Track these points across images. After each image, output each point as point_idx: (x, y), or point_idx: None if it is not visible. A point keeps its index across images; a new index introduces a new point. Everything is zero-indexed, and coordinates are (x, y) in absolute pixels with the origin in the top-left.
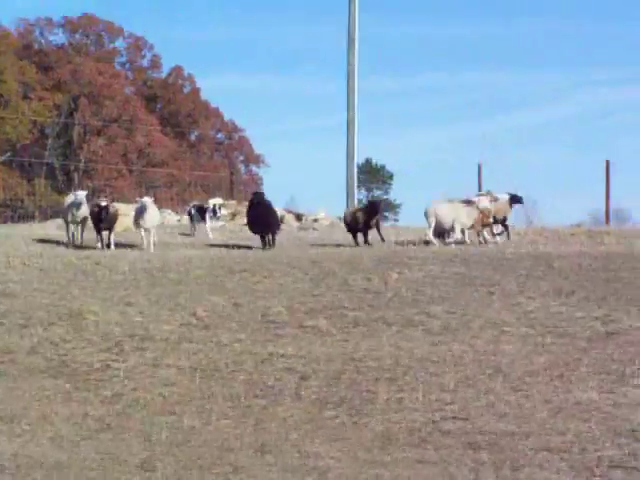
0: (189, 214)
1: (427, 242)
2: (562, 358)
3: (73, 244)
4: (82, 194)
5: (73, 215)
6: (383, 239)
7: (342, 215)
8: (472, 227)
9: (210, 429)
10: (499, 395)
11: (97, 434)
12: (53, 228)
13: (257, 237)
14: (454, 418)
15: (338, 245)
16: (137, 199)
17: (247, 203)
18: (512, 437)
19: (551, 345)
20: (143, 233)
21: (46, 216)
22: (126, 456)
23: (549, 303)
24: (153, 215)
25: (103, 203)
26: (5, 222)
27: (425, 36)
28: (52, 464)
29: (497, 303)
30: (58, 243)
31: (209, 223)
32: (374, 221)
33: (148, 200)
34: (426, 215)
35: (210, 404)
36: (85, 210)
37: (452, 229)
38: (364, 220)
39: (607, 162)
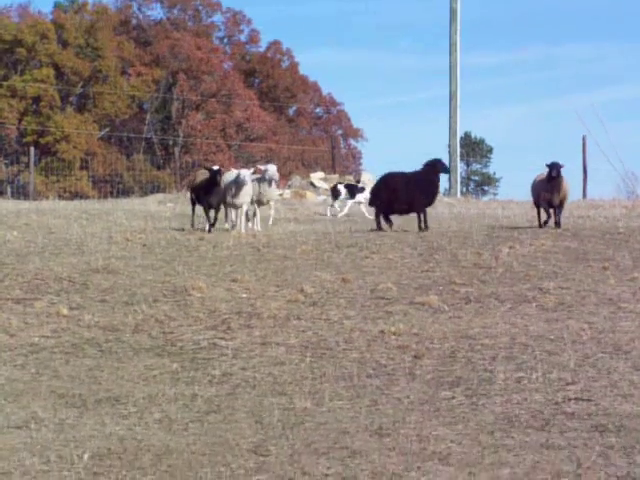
0: (334, 193)
1: None
2: None
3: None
4: (247, 173)
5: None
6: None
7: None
8: None
9: (323, 410)
10: (622, 374)
11: (206, 416)
12: (154, 203)
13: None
14: (577, 399)
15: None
16: (231, 169)
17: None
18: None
19: None
20: (234, 212)
21: (145, 191)
22: (238, 439)
23: None
24: (249, 191)
25: (215, 167)
26: (105, 197)
27: (526, 9)
28: (160, 448)
29: (612, 278)
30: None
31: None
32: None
33: (247, 173)
34: None
35: (322, 384)
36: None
37: None
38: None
39: None
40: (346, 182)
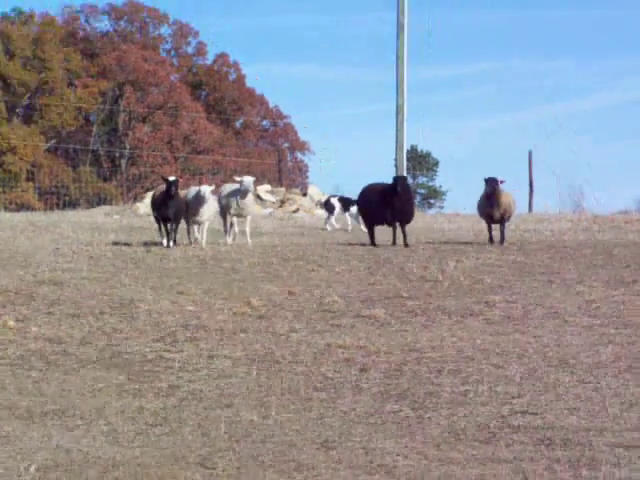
0: (327, 206)
1: None
2: (629, 349)
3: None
4: (207, 189)
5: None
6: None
7: None
8: None
9: (270, 423)
10: (567, 388)
11: (153, 428)
12: (100, 215)
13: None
14: (523, 412)
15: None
16: (191, 187)
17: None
18: (585, 433)
19: (616, 336)
20: (196, 228)
21: (92, 203)
22: (184, 452)
23: (611, 292)
24: (212, 206)
25: (172, 177)
26: (51, 209)
27: (474, 24)
28: (107, 460)
29: (557, 292)
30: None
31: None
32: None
33: (207, 189)
34: None
35: (269, 397)
36: (210, 208)
37: None
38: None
39: None
40: (339, 195)
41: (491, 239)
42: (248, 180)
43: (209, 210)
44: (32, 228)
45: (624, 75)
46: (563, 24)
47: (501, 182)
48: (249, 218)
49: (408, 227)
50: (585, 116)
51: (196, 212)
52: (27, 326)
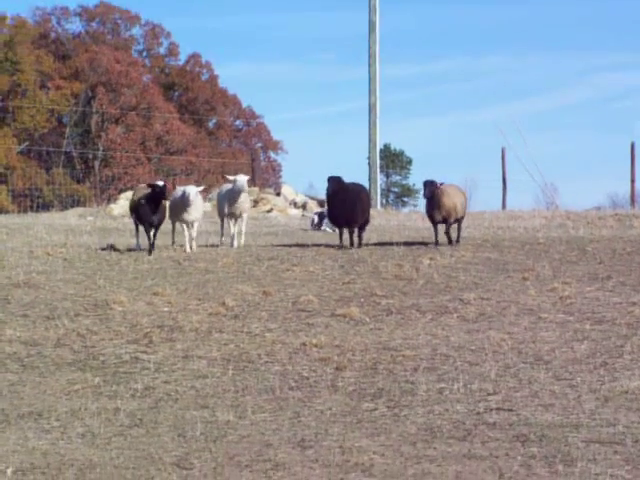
0: (312, 223)
1: None
2: (603, 345)
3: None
4: (193, 190)
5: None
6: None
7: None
8: None
9: (246, 423)
10: (542, 385)
11: (129, 430)
12: (74, 217)
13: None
14: (498, 409)
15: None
16: (177, 187)
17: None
18: (561, 429)
19: (591, 332)
20: (185, 228)
21: (65, 205)
22: (161, 453)
23: (585, 289)
24: (199, 207)
25: (161, 183)
26: (25, 211)
27: (446, 21)
28: (84, 462)
29: (532, 289)
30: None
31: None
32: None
33: (192, 190)
34: None
35: (244, 397)
36: (196, 209)
37: None
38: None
39: (632, 144)
40: (316, 212)
41: (436, 241)
42: (241, 179)
43: (196, 210)
44: (6, 231)
45: (595, 71)
46: (535, 20)
47: (440, 184)
48: (245, 217)
49: (377, 226)
50: (557, 112)
51: (182, 212)
52: (2, 329)
